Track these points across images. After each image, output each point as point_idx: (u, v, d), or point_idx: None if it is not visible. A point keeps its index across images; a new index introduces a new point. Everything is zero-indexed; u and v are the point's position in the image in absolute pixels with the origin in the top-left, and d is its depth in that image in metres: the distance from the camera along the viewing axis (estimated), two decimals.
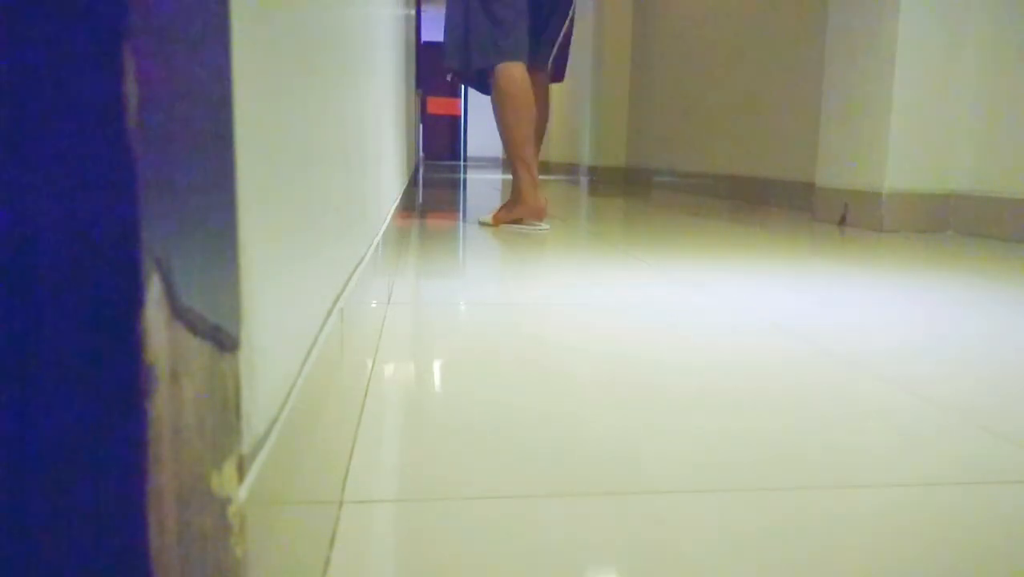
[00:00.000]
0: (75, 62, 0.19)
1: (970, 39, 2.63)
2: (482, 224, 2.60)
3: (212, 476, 0.26)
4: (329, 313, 0.56)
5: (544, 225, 2.48)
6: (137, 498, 0.21)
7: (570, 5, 2.53)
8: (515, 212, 2.50)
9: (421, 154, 11.11)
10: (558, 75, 2.64)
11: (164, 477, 0.22)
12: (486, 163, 5.96)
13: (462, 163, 11.35)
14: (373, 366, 0.91)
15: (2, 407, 0.20)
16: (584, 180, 6.52)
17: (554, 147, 8.98)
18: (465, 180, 6.17)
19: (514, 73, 2.34)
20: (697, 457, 0.65)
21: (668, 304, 1.32)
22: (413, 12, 4.67)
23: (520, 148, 2.41)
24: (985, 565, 0.49)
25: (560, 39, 2.53)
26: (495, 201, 3.68)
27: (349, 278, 0.72)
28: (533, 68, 2.48)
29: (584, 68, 7.08)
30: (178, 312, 0.23)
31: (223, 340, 0.27)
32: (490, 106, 2.48)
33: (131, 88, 0.20)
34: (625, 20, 6.24)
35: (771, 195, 3.87)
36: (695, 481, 0.60)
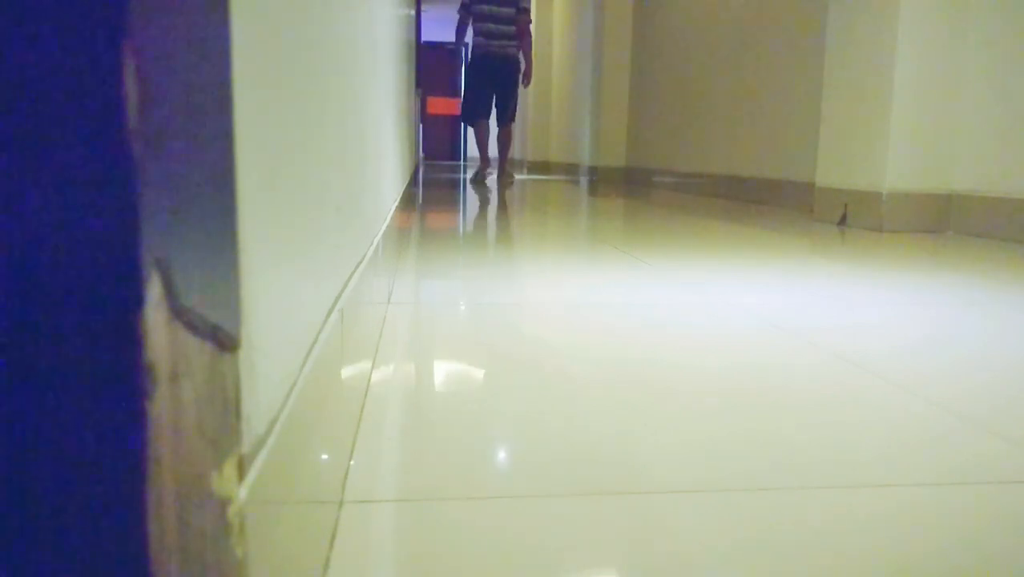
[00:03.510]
0: (75, 62, 0.19)
1: (971, 39, 2.63)
2: (471, 182, 5.51)
3: (212, 476, 0.26)
4: (329, 313, 0.56)
5: (489, 176, 5.72)
6: (137, 498, 0.21)
7: (516, 83, 5.37)
8: (481, 174, 5.63)
9: (421, 154, 11.12)
10: (511, 119, 5.57)
11: (164, 477, 0.22)
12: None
13: (462, 163, 11.36)
14: (373, 366, 0.91)
15: (2, 407, 0.20)
16: (584, 180, 6.52)
17: (554, 147, 8.99)
18: (465, 180, 6.17)
19: (480, 126, 5.40)
20: (697, 457, 0.65)
21: (668, 304, 1.32)
22: (413, 12, 4.66)
23: (480, 151, 5.52)
24: (986, 565, 0.49)
25: (511, 105, 5.44)
26: (493, 200, 3.68)
27: (349, 278, 0.72)
28: (502, 122, 5.47)
29: (584, 68, 7.09)
30: (178, 312, 0.23)
31: (223, 340, 0.27)
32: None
33: (131, 88, 0.20)
34: (625, 20, 6.24)
35: (771, 195, 3.87)
36: (696, 481, 0.60)
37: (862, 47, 2.75)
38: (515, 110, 5.49)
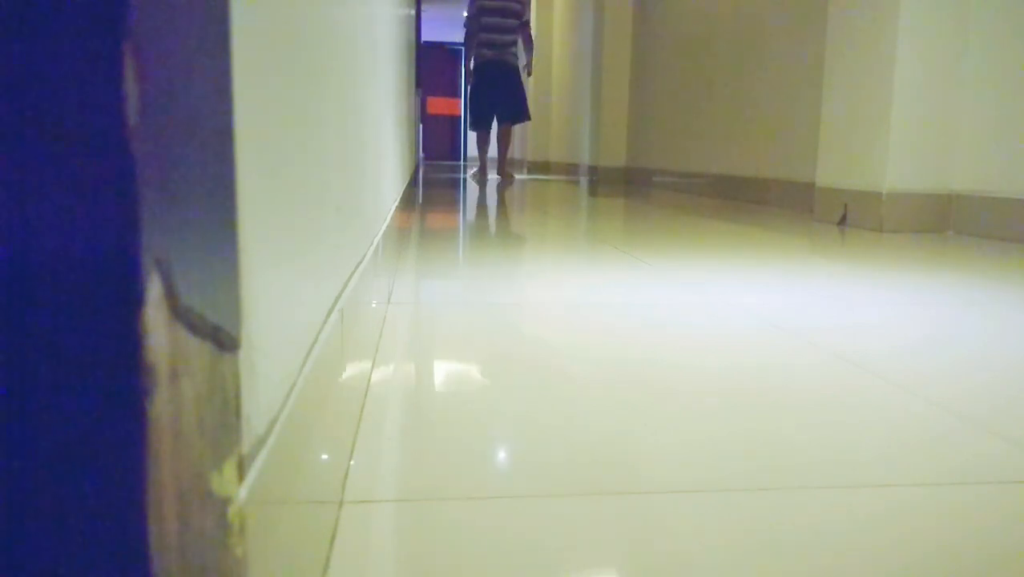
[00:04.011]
0: (75, 62, 0.19)
1: (971, 39, 2.63)
2: (471, 178, 6.20)
3: (212, 476, 0.26)
4: (329, 313, 0.56)
5: (482, 176, 6.09)
6: (137, 498, 0.21)
7: (517, 85, 5.78)
8: (478, 174, 6.14)
9: (421, 154, 11.14)
10: (525, 118, 5.95)
11: (164, 477, 0.22)
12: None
13: (462, 163, 11.36)
14: (373, 366, 0.91)
15: (2, 407, 0.20)
16: (584, 180, 6.52)
17: (554, 147, 8.99)
18: (465, 180, 6.18)
19: (480, 133, 5.93)
20: (697, 457, 0.65)
21: (668, 304, 1.32)
22: (413, 12, 4.67)
23: (480, 156, 6.08)
24: (986, 565, 0.49)
25: (517, 109, 5.82)
26: (493, 199, 3.68)
27: (349, 278, 0.72)
28: (502, 122, 5.84)
29: (584, 68, 7.12)
30: (178, 312, 0.23)
31: (223, 340, 0.27)
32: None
33: (131, 88, 0.20)
34: (625, 20, 6.24)
35: (771, 195, 3.87)
36: (696, 481, 0.60)
37: (862, 47, 2.75)
38: (522, 109, 5.88)
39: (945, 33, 2.63)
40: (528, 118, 5.99)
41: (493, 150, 7.60)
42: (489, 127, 5.89)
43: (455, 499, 0.56)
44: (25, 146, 0.19)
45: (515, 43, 5.73)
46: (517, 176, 7.11)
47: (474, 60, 5.77)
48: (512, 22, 5.66)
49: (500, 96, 5.74)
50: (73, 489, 0.20)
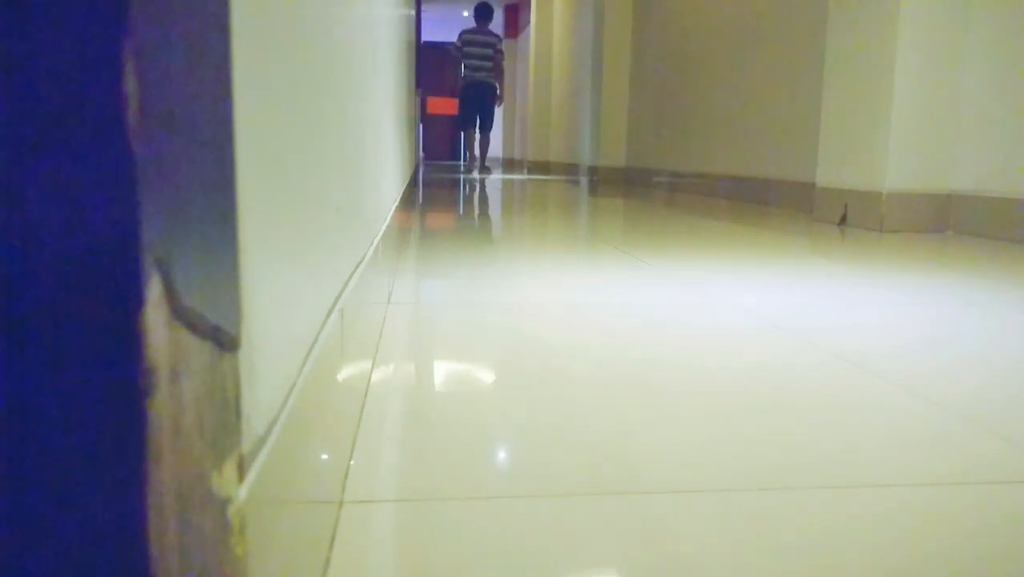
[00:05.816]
0: (75, 62, 0.19)
1: (971, 38, 2.63)
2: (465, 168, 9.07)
3: (212, 476, 0.26)
4: (329, 313, 0.56)
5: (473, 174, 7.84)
6: (137, 498, 0.21)
7: (491, 103, 7.68)
8: (468, 167, 8.99)
9: (421, 154, 11.19)
10: (488, 129, 7.96)
11: (164, 477, 0.22)
12: (487, 163, 7.17)
13: (462, 163, 11.37)
14: (373, 366, 0.91)
15: (3, 407, 0.20)
16: (584, 180, 6.52)
17: (554, 148, 9.00)
18: (464, 180, 6.18)
19: (468, 134, 7.96)
20: (697, 457, 0.65)
21: (668, 304, 1.32)
22: (413, 12, 4.67)
23: (468, 151, 8.25)
24: (986, 565, 0.49)
25: (488, 118, 7.76)
26: (492, 200, 3.68)
27: (349, 278, 0.72)
28: (480, 129, 7.83)
29: (584, 68, 7.19)
30: (178, 312, 0.23)
31: (223, 340, 0.27)
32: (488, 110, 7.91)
33: (131, 88, 0.20)
34: (625, 20, 6.25)
35: (771, 195, 3.87)
36: (696, 481, 0.60)
37: (862, 47, 2.75)
38: (491, 122, 7.90)
39: (945, 32, 2.63)
40: (490, 128, 7.97)
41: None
42: (474, 128, 7.81)
43: (455, 499, 0.56)
44: (25, 146, 0.19)
45: (492, 67, 7.53)
46: (517, 176, 7.99)
47: (463, 78, 7.62)
48: (487, 51, 7.42)
49: (481, 108, 7.67)
50: (73, 489, 0.20)
